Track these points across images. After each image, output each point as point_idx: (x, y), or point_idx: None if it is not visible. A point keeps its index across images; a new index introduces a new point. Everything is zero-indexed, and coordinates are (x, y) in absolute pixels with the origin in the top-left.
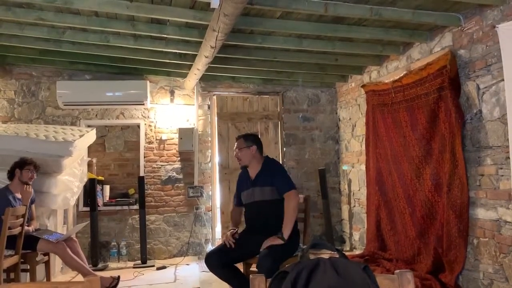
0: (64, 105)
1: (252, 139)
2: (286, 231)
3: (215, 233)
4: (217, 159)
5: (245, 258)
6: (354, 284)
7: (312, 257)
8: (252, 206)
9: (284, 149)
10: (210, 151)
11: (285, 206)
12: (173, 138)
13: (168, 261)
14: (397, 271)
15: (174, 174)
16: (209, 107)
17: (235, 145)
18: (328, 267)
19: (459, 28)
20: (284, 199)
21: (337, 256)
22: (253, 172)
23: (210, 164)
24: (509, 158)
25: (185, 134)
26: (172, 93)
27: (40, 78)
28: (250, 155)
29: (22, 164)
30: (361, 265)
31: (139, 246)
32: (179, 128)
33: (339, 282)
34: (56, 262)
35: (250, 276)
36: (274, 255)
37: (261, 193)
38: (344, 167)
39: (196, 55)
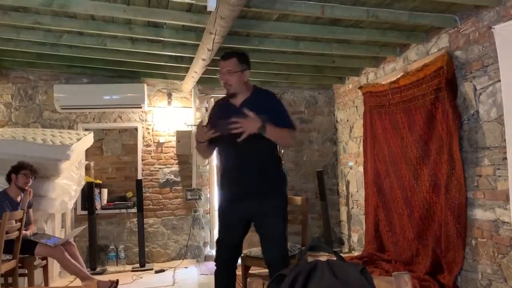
0: (62, 108)
1: (247, 61)
2: (270, 128)
3: (214, 236)
4: (215, 161)
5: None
6: (351, 287)
7: (310, 259)
8: (233, 140)
9: (282, 151)
10: None
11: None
12: (170, 141)
13: (167, 264)
14: (394, 273)
15: (172, 177)
16: (206, 110)
17: (222, 66)
18: (326, 269)
19: (456, 29)
20: None
21: (335, 258)
22: (239, 100)
23: (208, 166)
24: (506, 158)
25: (183, 137)
26: (169, 96)
27: (37, 82)
28: (242, 82)
29: (17, 168)
30: (359, 267)
31: (137, 249)
32: (177, 131)
33: (336, 285)
34: (54, 266)
35: (248, 279)
36: (281, 245)
37: None
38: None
39: (193, 57)
